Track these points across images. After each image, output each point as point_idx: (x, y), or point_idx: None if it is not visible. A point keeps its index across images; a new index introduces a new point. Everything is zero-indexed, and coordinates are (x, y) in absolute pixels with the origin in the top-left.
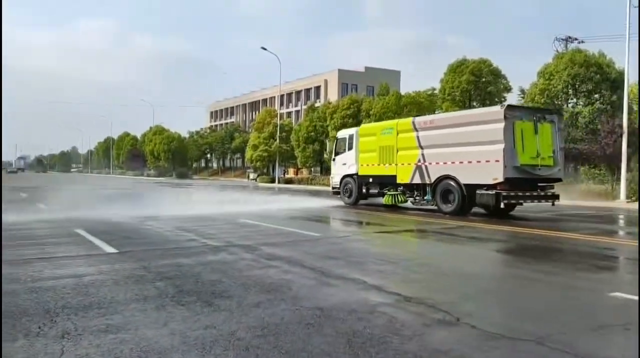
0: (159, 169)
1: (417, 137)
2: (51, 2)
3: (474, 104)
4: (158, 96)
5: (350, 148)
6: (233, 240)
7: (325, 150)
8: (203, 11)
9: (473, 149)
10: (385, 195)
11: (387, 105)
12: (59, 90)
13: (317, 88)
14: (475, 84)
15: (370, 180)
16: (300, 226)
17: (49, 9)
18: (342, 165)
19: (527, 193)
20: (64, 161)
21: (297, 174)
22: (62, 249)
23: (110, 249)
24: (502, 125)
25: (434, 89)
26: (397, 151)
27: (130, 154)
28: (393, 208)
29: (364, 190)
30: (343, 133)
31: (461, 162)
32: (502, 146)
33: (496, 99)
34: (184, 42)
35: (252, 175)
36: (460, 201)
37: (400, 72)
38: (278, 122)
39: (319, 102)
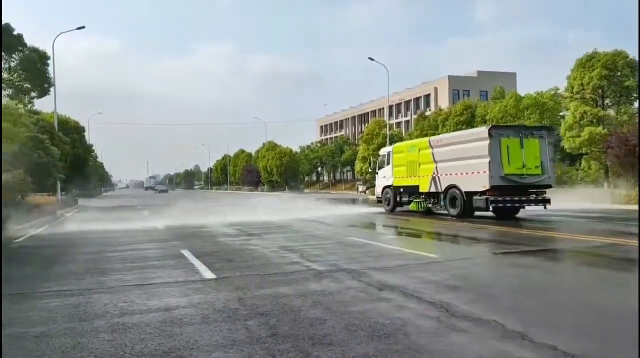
0: (272, 184)
1: (432, 153)
2: (173, 31)
3: (607, 101)
4: (270, 114)
5: (388, 163)
6: (339, 262)
7: (381, 165)
8: (311, 30)
9: (468, 163)
10: (412, 203)
11: (505, 109)
12: (182, 113)
13: (427, 96)
14: (609, 79)
15: (402, 189)
16: (408, 244)
17: (172, 36)
18: (383, 178)
19: (515, 198)
20: (188, 179)
21: None
22: (162, 274)
23: (209, 275)
24: (486, 142)
25: (557, 89)
26: (420, 165)
27: (245, 170)
28: (428, 214)
29: (398, 199)
30: (383, 151)
31: (461, 173)
32: (487, 159)
33: (634, 95)
34: (294, 61)
35: (361, 188)
36: (462, 206)
37: (516, 74)
38: (387, 133)
39: (429, 110)
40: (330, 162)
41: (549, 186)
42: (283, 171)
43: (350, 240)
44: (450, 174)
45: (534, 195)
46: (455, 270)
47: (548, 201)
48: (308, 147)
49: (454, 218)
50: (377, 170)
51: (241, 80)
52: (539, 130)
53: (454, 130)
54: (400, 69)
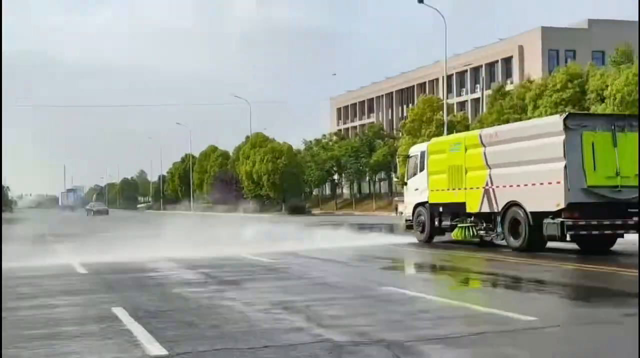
0: (262, 200)
1: (484, 154)
2: None
3: None
4: (258, 91)
5: (422, 169)
6: (371, 329)
7: (411, 171)
8: None
9: (535, 169)
10: (455, 228)
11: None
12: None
13: (507, 60)
14: None
15: (441, 209)
16: (475, 296)
17: None
18: (414, 191)
19: (606, 222)
20: (127, 193)
21: None
22: (80, 349)
23: (156, 350)
24: (561, 138)
25: None
26: (466, 172)
27: (218, 179)
28: (478, 245)
29: (436, 222)
30: (415, 149)
31: (525, 185)
32: (562, 164)
33: None
34: (297, 10)
35: (401, 207)
36: (528, 234)
37: None
38: (445, 118)
39: (511, 82)
40: (354, 166)
41: None
42: (279, 180)
43: (384, 291)
44: (510, 186)
45: (636, 217)
46: (577, 344)
47: None
48: (318, 142)
49: (514, 251)
50: (406, 180)
51: (214, 40)
52: (637, 120)
53: (553, 114)
54: (464, 19)
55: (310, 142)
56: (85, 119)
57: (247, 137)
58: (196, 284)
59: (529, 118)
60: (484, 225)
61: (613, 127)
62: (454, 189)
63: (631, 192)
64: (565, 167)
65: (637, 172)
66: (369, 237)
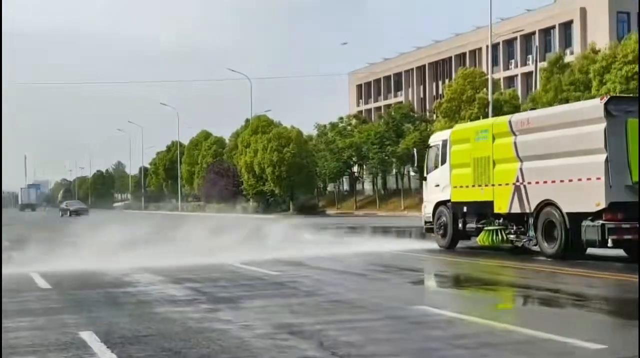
0: (265, 197)
1: (515, 144)
2: None
3: None
4: (260, 65)
5: (443, 161)
6: None
7: (431, 164)
8: None
9: (571, 162)
10: (481, 232)
11: None
12: (94, 66)
13: (566, 26)
14: None
15: (465, 209)
16: (526, 319)
17: None
18: (435, 188)
19: None
20: (103, 189)
21: None
22: None
23: None
24: (602, 126)
25: None
26: (494, 165)
27: (211, 172)
28: (507, 251)
29: (460, 225)
30: (436, 138)
31: (562, 181)
32: (603, 157)
33: None
34: None
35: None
36: (564, 238)
37: None
38: (490, 96)
39: (571, 52)
40: (378, 156)
41: None
42: (285, 173)
43: (414, 311)
44: (545, 182)
45: None
46: None
47: None
48: (334, 126)
49: (549, 258)
50: (425, 174)
51: (202, 5)
52: None
53: (622, 92)
54: None
55: (325, 126)
56: (51, 99)
57: (247, 121)
58: (183, 302)
59: (593, 97)
60: (515, 228)
61: None
62: (479, 186)
63: None
64: (607, 160)
65: None
66: (377, 242)
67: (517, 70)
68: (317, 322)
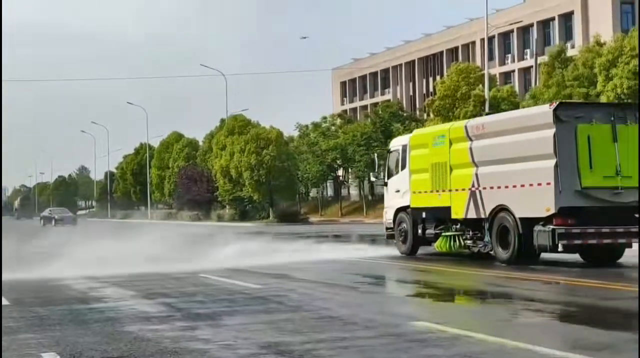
0: (242, 203)
1: (471, 149)
2: None
3: None
4: (235, 61)
5: (403, 166)
6: None
7: (392, 169)
8: None
9: (523, 167)
10: (439, 238)
11: None
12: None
13: (565, 17)
14: None
15: (424, 215)
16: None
17: None
18: (395, 193)
19: (605, 230)
20: (65, 196)
21: None
22: None
23: None
24: (551, 132)
25: None
26: (451, 170)
27: (183, 177)
28: (463, 257)
29: (420, 231)
30: (396, 143)
31: (515, 186)
32: (552, 162)
33: None
34: None
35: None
36: (517, 243)
37: None
38: (486, 93)
39: (571, 46)
40: (365, 159)
41: None
42: (265, 178)
43: (413, 328)
44: (498, 187)
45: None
46: None
47: None
48: (316, 127)
49: (503, 264)
50: (385, 179)
51: None
52: None
53: (629, 87)
54: None
55: (307, 126)
56: (9, 97)
57: (222, 121)
58: (157, 319)
59: (600, 93)
60: (471, 233)
61: (613, 119)
62: (437, 191)
63: (634, 195)
64: (556, 165)
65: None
66: (335, 249)
67: (514, 65)
68: (307, 341)
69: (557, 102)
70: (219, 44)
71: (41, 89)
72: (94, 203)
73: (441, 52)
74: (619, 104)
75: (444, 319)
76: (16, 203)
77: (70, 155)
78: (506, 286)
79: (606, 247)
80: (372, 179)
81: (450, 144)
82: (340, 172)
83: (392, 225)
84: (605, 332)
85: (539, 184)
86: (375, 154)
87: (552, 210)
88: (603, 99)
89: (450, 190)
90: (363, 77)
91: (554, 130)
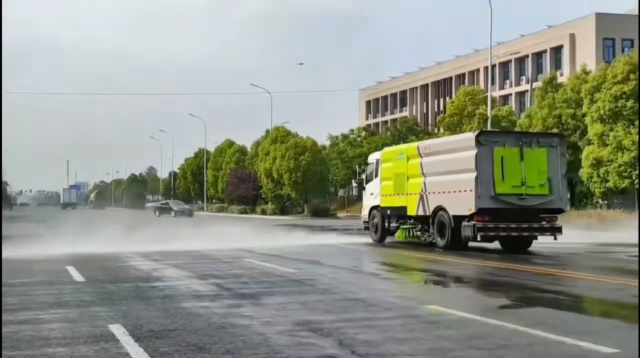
0: (282, 200)
1: (421, 164)
2: None
3: None
4: (279, 81)
5: (376, 175)
6: None
7: (369, 177)
8: None
9: (455, 178)
10: (398, 230)
11: None
12: (126, 79)
13: (556, 50)
14: None
15: (389, 212)
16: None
17: None
18: (370, 195)
19: (512, 225)
20: (136, 191)
21: None
22: None
23: None
24: (473, 152)
25: None
26: (408, 179)
27: (234, 177)
28: (417, 245)
29: (386, 224)
30: (372, 157)
31: (449, 192)
32: (473, 175)
33: None
34: None
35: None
36: (450, 234)
37: None
38: (489, 111)
39: (561, 74)
40: None
41: (561, 210)
42: (301, 179)
43: (427, 311)
44: (439, 193)
45: (544, 222)
46: None
47: (558, 230)
48: (345, 137)
49: (441, 250)
50: (364, 184)
51: (231, 23)
52: (548, 138)
53: (610, 109)
54: (506, 4)
55: (337, 137)
56: (91, 109)
57: (267, 131)
58: (207, 297)
59: (585, 113)
60: (420, 226)
61: (521, 143)
62: (398, 194)
63: (535, 200)
64: (477, 177)
65: (544, 182)
66: (320, 237)
67: (511, 89)
68: (335, 320)
69: (479, 131)
70: (265, 67)
71: (118, 102)
72: (159, 198)
73: (451, 77)
74: (525, 133)
75: (447, 304)
76: (92, 196)
77: (141, 157)
78: (461, 268)
79: (515, 238)
80: (355, 184)
81: (408, 159)
82: (364, 176)
83: (367, 220)
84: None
85: (465, 191)
86: (357, 166)
87: (473, 210)
88: (588, 118)
89: (406, 194)
90: (385, 97)
91: (476, 151)
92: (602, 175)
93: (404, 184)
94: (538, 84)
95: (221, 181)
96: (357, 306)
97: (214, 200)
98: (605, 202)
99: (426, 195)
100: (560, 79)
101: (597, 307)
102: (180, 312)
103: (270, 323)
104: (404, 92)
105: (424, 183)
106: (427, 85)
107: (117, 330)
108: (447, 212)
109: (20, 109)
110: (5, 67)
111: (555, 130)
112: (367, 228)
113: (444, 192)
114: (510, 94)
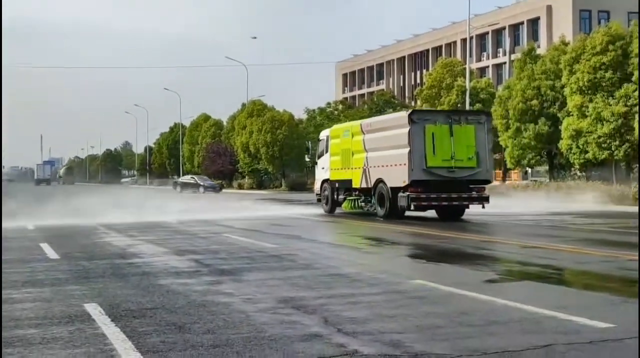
0: (259, 175)
1: (364, 141)
2: None
3: None
4: (253, 54)
5: (327, 150)
6: (403, 338)
7: (320, 152)
8: None
9: (391, 153)
10: (345, 201)
11: None
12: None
13: (533, 22)
14: None
15: (337, 185)
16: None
17: None
18: (322, 170)
19: (443, 195)
20: (111, 166)
21: (503, 180)
22: None
23: None
24: (406, 129)
25: None
26: (353, 154)
27: (210, 151)
28: (365, 216)
29: (335, 196)
30: (323, 134)
31: (387, 166)
32: (407, 150)
33: None
34: None
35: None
36: (389, 205)
37: None
38: (467, 83)
39: (539, 45)
40: None
41: (487, 181)
42: (278, 153)
43: (413, 286)
44: (378, 166)
45: (474, 192)
46: None
47: (486, 199)
48: (322, 111)
49: (382, 219)
50: (316, 159)
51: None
52: (475, 115)
53: (589, 80)
54: None
55: (314, 111)
56: (65, 83)
57: (243, 105)
58: (186, 274)
59: (564, 85)
60: (364, 198)
61: (450, 121)
62: (345, 168)
63: (464, 172)
64: (410, 152)
65: (471, 156)
66: (275, 209)
67: (488, 62)
68: (319, 296)
69: (411, 110)
70: (242, 40)
71: (92, 76)
72: (135, 173)
73: (427, 50)
74: (455, 111)
75: (432, 278)
76: (61, 171)
77: (116, 132)
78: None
79: (448, 207)
80: (307, 159)
81: (352, 136)
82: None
83: (320, 192)
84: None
85: (400, 164)
86: (309, 142)
87: (407, 182)
88: (567, 90)
89: (352, 168)
90: (362, 70)
91: (409, 128)
92: (581, 146)
93: (350, 159)
94: (516, 55)
95: (197, 156)
96: (340, 281)
97: (190, 174)
98: (584, 173)
99: (368, 169)
100: (538, 51)
101: (585, 281)
102: (158, 290)
103: (252, 301)
104: (380, 65)
105: (366, 158)
106: (403, 58)
107: (93, 309)
108: (385, 184)
109: None
110: None
111: (535, 102)
112: (319, 200)
113: (383, 166)
114: (488, 66)
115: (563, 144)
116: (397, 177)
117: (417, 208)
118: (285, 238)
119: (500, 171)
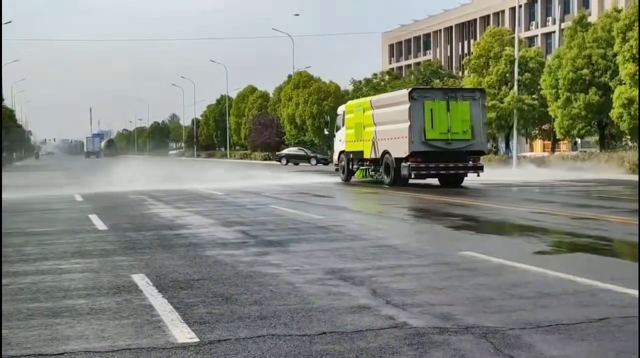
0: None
1: (373, 115)
2: None
3: None
4: (300, 26)
5: (343, 124)
6: (453, 310)
7: (338, 126)
8: None
9: (395, 127)
10: (357, 171)
11: None
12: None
13: None
14: None
15: (351, 156)
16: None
17: None
18: (339, 142)
19: (441, 165)
20: (159, 138)
21: (552, 151)
22: (88, 330)
23: (185, 334)
24: (407, 106)
25: None
26: (364, 128)
27: (257, 123)
28: (376, 184)
29: (350, 166)
30: (341, 109)
31: (392, 139)
32: (407, 124)
33: None
34: None
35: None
36: (394, 173)
37: None
38: (516, 53)
39: (589, 13)
40: None
41: (482, 152)
42: (324, 124)
43: (462, 257)
44: (385, 139)
45: (470, 162)
46: None
47: (480, 168)
48: (368, 82)
49: (387, 186)
50: (335, 133)
51: None
52: (471, 92)
53: None
54: None
55: (360, 82)
56: (113, 56)
57: (290, 77)
58: (233, 245)
59: (616, 53)
60: (373, 167)
61: (447, 98)
62: (358, 141)
63: (459, 144)
64: (410, 126)
65: (467, 129)
66: (295, 178)
67: (537, 31)
68: (367, 268)
69: (412, 88)
70: (288, 11)
71: (140, 48)
72: (182, 145)
73: (475, 20)
74: (451, 89)
75: (481, 250)
76: (102, 144)
77: (163, 105)
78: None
79: (447, 176)
80: (326, 132)
81: (364, 111)
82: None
83: (337, 163)
84: None
85: (402, 137)
86: (328, 116)
87: (408, 153)
88: (619, 58)
89: (363, 141)
90: (408, 40)
91: (409, 104)
92: (632, 114)
93: (362, 132)
94: (567, 23)
95: (244, 128)
96: (388, 253)
97: (236, 147)
98: (635, 143)
99: (376, 142)
100: (589, 19)
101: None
102: (205, 261)
103: (299, 272)
104: (427, 35)
105: (375, 131)
106: (451, 27)
107: (140, 280)
108: (391, 155)
109: (42, 57)
110: (23, 15)
111: (585, 71)
112: (337, 170)
113: (388, 139)
114: (537, 35)
115: (614, 113)
116: (400, 148)
117: (417, 177)
118: (331, 209)
119: (550, 142)
